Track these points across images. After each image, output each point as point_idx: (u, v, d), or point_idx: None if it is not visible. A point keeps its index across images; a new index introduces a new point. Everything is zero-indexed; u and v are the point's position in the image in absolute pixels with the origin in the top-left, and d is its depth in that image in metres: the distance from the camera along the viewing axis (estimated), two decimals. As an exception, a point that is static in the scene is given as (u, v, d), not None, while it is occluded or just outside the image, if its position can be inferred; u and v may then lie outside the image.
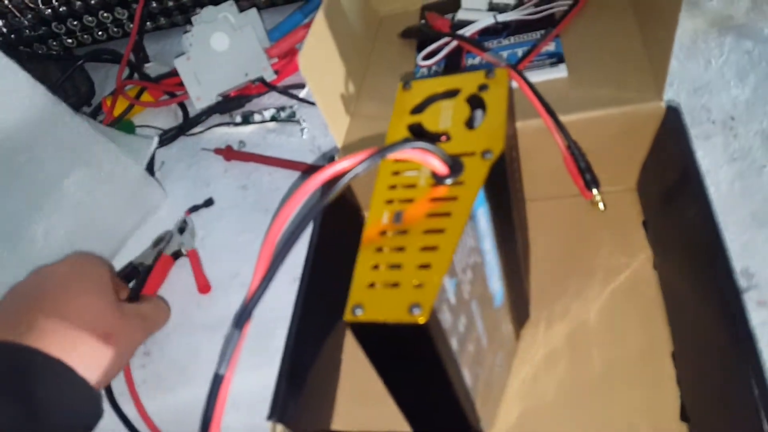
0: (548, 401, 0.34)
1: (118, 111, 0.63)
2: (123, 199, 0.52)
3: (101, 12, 0.68)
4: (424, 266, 0.22)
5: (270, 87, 0.57)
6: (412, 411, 0.28)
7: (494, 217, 0.27)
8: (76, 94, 0.67)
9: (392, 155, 0.23)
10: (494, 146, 0.25)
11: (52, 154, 0.44)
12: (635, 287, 0.37)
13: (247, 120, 0.58)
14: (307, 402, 0.34)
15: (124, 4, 0.67)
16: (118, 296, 0.42)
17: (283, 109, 0.58)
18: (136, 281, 0.49)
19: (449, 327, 0.24)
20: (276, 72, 0.58)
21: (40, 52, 0.71)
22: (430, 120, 0.28)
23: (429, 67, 0.46)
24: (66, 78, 0.66)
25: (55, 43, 0.71)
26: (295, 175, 0.53)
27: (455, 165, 0.25)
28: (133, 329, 0.41)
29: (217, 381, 0.22)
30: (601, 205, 0.37)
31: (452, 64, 0.45)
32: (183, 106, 0.62)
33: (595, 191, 0.36)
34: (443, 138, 0.27)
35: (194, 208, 0.54)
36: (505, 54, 0.44)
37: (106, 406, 0.44)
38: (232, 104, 0.58)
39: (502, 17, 0.46)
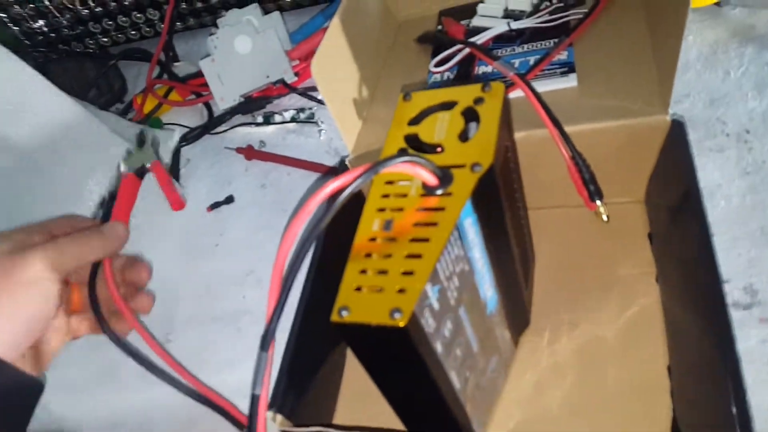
0: (548, 410, 0.35)
1: (147, 108, 0.66)
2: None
3: (134, 13, 0.71)
4: (408, 273, 0.24)
5: (290, 89, 0.59)
6: (402, 410, 0.30)
7: (485, 227, 0.28)
8: (110, 91, 0.70)
9: (385, 170, 0.24)
10: (483, 159, 0.26)
11: (74, 155, 0.47)
12: (636, 300, 0.37)
13: (267, 120, 0.60)
14: (308, 396, 0.35)
15: (155, 6, 0.69)
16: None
17: (302, 110, 0.59)
18: (104, 210, 0.46)
19: (432, 331, 0.25)
20: (296, 74, 0.59)
21: (77, 50, 0.75)
22: (425, 131, 0.29)
23: (441, 74, 0.47)
24: (101, 76, 0.69)
25: (91, 41, 0.75)
26: (312, 175, 0.55)
27: (445, 177, 0.26)
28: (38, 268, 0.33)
29: (255, 401, 0.25)
30: (604, 217, 0.37)
31: (464, 71, 0.46)
32: (208, 106, 0.64)
33: (598, 202, 0.37)
34: (438, 149, 0.28)
35: (215, 205, 0.57)
36: (517, 62, 0.45)
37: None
38: (254, 105, 0.60)
39: (516, 25, 0.46)
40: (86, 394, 0.48)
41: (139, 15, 0.71)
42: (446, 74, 0.47)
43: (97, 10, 0.70)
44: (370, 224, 0.26)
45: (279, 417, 0.32)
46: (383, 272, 0.24)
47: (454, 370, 0.28)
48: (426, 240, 0.24)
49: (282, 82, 0.59)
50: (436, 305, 0.24)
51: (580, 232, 0.42)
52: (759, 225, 0.38)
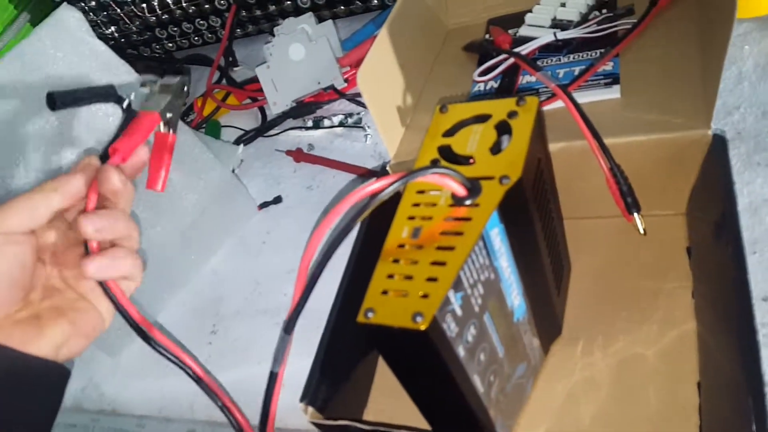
0: (579, 422, 0.35)
1: (206, 111, 0.70)
2: (218, 204, 0.56)
3: (197, 20, 0.75)
4: (432, 279, 0.25)
5: (340, 94, 0.61)
6: (426, 410, 0.31)
7: (512, 237, 0.29)
8: (174, 93, 0.75)
9: (416, 180, 0.26)
10: (512, 172, 0.27)
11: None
12: (673, 315, 0.37)
13: (317, 125, 0.62)
14: (340, 391, 0.37)
15: (217, 13, 0.73)
16: None
17: (350, 115, 0.61)
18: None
19: (454, 336, 0.26)
20: (346, 80, 0.61)
21: (145, 54, 0.80)
22: (459, 143, 0.30)
23: (485, 83, 0.47)
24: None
25: (157, 46, 0.80)
26: (357, 178, 0.57)
27: (474, 188, 0.27)
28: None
29: (273, 378, 0.26)
30: (641, 229, 0.37)
31: (508, 81, 0.46)
32: (262, 110, 0.67)
33: (635, 215, 0.37)
34: (470, 161, 0.29)
35: (264, 205, 0.59)
36: (562, 72, 0.45)
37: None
38: (305, 110, 0.62)
39: (563, 35, 0.46)
40: (137, 378, 0.52)
41: (202, 22, 0.75)
42: (490, 83, 0.47)
43: (163, 17, 0.75)
44: (399, 231, 0.27)
45: (310, 409, 0.34)
46: (409, 277, 0.25)
47: (477, 374, 0.29)
48: (451, 248, 0.25)
49: (332, 87, 0.61)
50: (458, 311, 0.25)
51: (618, 242, 0.42)
52: (808, 243, 0.37)
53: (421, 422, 0.32)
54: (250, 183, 0.63)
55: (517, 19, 0.51)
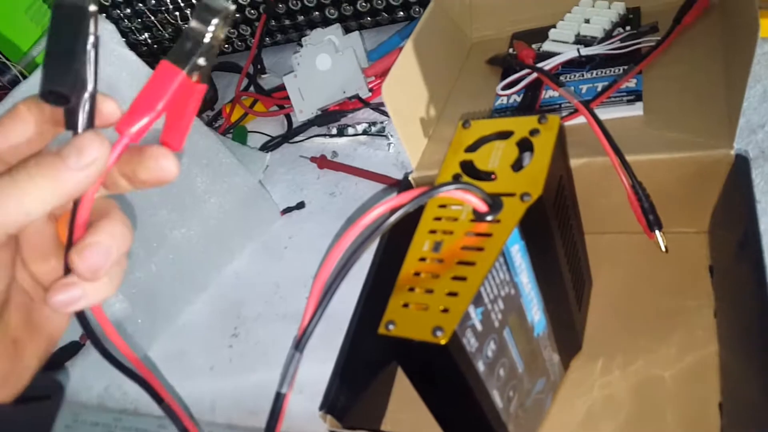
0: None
1: (234, 117, 0.71)
2: (241, 208, 0.57)
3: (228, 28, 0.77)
4: (452, 294, 0.25)
5: (364, 103, 0.62)
6: (445, 423, 0.31)
7: (533, 253, 0.29)
8: (203, 99, 0.77)
9: (438, 195, 0.26)
10: (533, 190, 0.27)
11: (190, 166, 0.52)
12: (695, 335, 0.37)
13: (341, 132, 0.63)
14: (358, 400, 0.38)
15: (247, 22, 0.75)
16: None
17: (374, 124, 0.62)
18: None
19: (473, 350, 0.26)
20: (371, 90, 0.62)
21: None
22: (481, 159, 0.31)
23: (507, 97, 0.48)
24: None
25: (188, 53, 0.82)
26: (378, 186, 0.58)
27: (495, 204, 0.27)
28: None
29: (279, 399, 0.24)
30: (662, 247, 0.37)
31: (531, 95, 0.47)
32: (288, 117, 0.68)
33: (657, 232, 0.37)
34: (492, 177, 0.30)
35: (287, 210, 0.60)
36: (585, 87, 0.45)
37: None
38: (330, 118, 0.64)
39: (586, 51, 0.47)
40: (159, 378, 0.53)
41: (232, 30, 0.77)
42: (513, 97, 0.48)
43: (194, 24, 0.77)
44: (421, 245, 0.28)
45: (329, 417, 0.35)
46: (429, 291, 0.26)
47: (497, 389, 0.29)
48: (472, 264, 0.26)
49: (357, 97, 0.62)
50: (478, 326, 0.26)
51: (640, 259, 0.42)
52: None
53: (438, 434, 0.32)
54: (273, 188, 0.64)
55: (541, 34, 0.52)
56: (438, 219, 0.29)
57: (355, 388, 0.37)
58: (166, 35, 0.78)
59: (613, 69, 0.45)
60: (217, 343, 0.53)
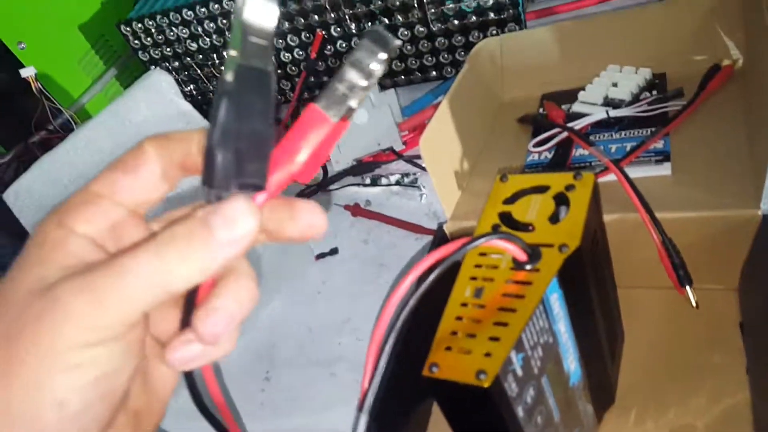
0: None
1: (271, 165, 0.75)
2: (277, 252, 0.60)
3: (269, 82, 0.82)
4: (494, 339, 0.27)
5: (398, 156, 0.65)
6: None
7: (570, 303, 0.30)
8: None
9: (479, 245, 0.28)
10: (571, 242, 0.29)
11: None
12: (726, 390, 0.37)
13: (375, 182, 0.66)
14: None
15: (288, 78, 0.79)
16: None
17: (407, 175, 0.65)
18: None
19: (514, 395, 0.27)
20: (404, 143, 0.65)
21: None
22: (519, 211, 0.32)
23: (539, 154, 0.50)
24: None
25: (230, 104, 0.86)
26: (410, 234, 0.60)
27: (534, 254, 0.29)
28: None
29: None
30: (693, 302, 0.38)
31: (562, 153, 0.49)
32: (324, 167, 0.71)
33: (687, 288, 0.38)
34: (530, 228, 0.32)
35: (321, 255, 0.63)
36: (614, 147, 0.47)
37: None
38: (364, 168, 0.66)
39: (615, 113, 0.49)
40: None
41: (272, 84, 0.82)
42: (544, 155, 0.50)
43: (238, 78, 0.82)
44: (463, 290, 0.30)
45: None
46: (472, 335, 0.27)
47: (533, 435, 0.30)
48: (513, 310, 0.27)
49: (391, 149, 0.65)
50: (519, 371, 0.27)
51: (671, 314, 0.43)
52: None
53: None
54: (308, 235, 0.66)
55: (569, 96, 0.54)
56: (478, 266, 0.30)
57: (390, 430, 0.38)
58: (211, 87, 0.83)
59: (640, 130, 0.48)
60: (250, 388, 0.54)
